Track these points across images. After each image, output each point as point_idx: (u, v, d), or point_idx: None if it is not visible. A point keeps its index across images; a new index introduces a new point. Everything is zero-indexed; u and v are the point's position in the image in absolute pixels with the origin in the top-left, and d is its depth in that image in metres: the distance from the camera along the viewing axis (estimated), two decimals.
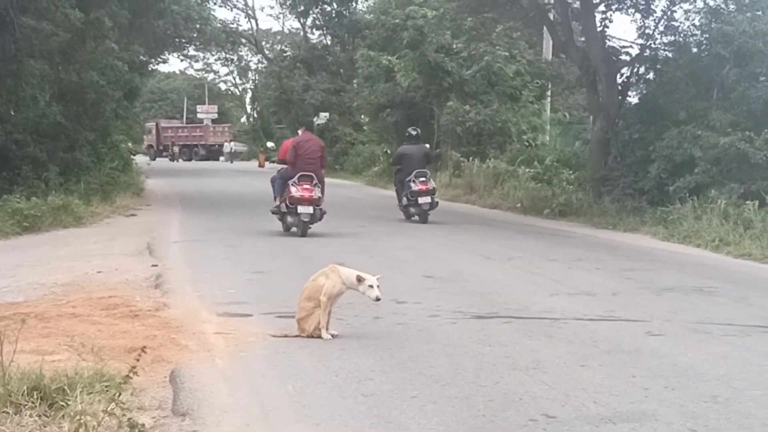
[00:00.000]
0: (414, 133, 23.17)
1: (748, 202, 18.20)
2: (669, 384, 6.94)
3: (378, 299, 8.46)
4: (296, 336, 8.42)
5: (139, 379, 6.26)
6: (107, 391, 6.04)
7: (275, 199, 18.63)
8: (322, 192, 18.30)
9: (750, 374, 7.34)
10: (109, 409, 5.49)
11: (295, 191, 17.74)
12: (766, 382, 7.13)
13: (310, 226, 17.99)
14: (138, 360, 5.99)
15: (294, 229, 17.99)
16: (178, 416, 6.10)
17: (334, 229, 19.15)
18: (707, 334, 8.93)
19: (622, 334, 8.83)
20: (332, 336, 8.42)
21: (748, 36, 20.65)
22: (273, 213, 18.52)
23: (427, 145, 24.35)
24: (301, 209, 17.77)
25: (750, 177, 19.27)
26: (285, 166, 18.59)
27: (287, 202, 17.86)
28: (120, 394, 5.72)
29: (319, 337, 8.33)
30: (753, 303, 11.07)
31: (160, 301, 10.24)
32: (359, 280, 8.39)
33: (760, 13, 22.06)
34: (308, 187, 17.84)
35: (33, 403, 5.81)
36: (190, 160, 79.28)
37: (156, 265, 13.19)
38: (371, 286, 8.37)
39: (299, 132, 18.87)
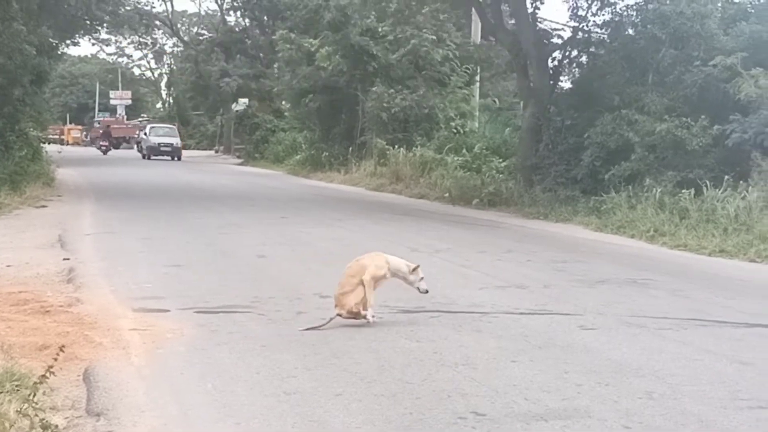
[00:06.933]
0: None
1: (684, 190, 17.93)
2: (602, 380, 6.88)
3: (427, 291, 8.84)
4: (337, 315, 8.50)
5: (52, 377, 5.98)
6: (18, 390, 5.95)
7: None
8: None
9: (686, 369, 7.28)
10: (22, 409, 5.35)
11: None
12: (702, 377, 7.06)
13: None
14: (56, 359, 5.86)
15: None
16: (93, 416, 5.99)
17: (254, 221, 18.87)
18: (642, 328, 8.86)
19: (554, 329, 8.75)
20: (375, 319, 8.55)
21: (686, 17, 20.23)
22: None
23: None
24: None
25: (687, 165, 19.02)
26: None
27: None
28: (35, 395, 5.49)
29: (358, 314, 8.46)
30: (688, 295, 11.01)
31: (73, 296, 9.98)
32: (414, 270, 8.70)
33: None
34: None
35: None
36: None
37: (68, 259, 12.82)
38: (422, 278, 8.71)
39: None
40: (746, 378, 7.06)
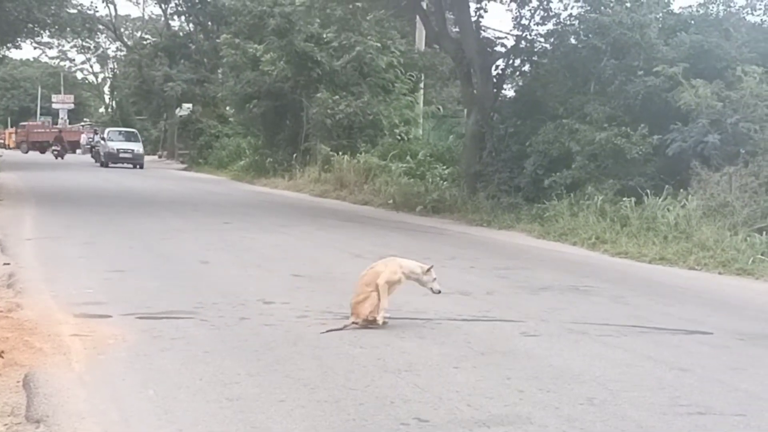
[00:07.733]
0: None
1: (624, 198, 18.12)
2: (544, 386, 6.91)
3: (439, 292, 9.03)
4: (352, 323, 8.69)
5: None
6: None
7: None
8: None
9: (626, 375, 7.37)
10: None
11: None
12: (643, 383, 7.14)
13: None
14: None
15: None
16: (33, 423, 5.93)
17: (197, 226, 18.69)
18: (583, 335, 8.93)
19: (496, 335, 8.80)
20: (386, 321, 8.72)
21: (626, 27, 20.50)
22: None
23: None
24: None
25: (627, 173, 19.27)
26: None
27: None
28: None
29: (373, 321, 8.63)
30: (629, 302, 11.17)
31: (13, 301, 9.81)
32: (427, 271, 8.87)
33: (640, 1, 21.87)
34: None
35: None
36: None
37: (8, 264, 12.59)
38: (435, 279, 8.89)
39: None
40: (685, 384, 7.15)
